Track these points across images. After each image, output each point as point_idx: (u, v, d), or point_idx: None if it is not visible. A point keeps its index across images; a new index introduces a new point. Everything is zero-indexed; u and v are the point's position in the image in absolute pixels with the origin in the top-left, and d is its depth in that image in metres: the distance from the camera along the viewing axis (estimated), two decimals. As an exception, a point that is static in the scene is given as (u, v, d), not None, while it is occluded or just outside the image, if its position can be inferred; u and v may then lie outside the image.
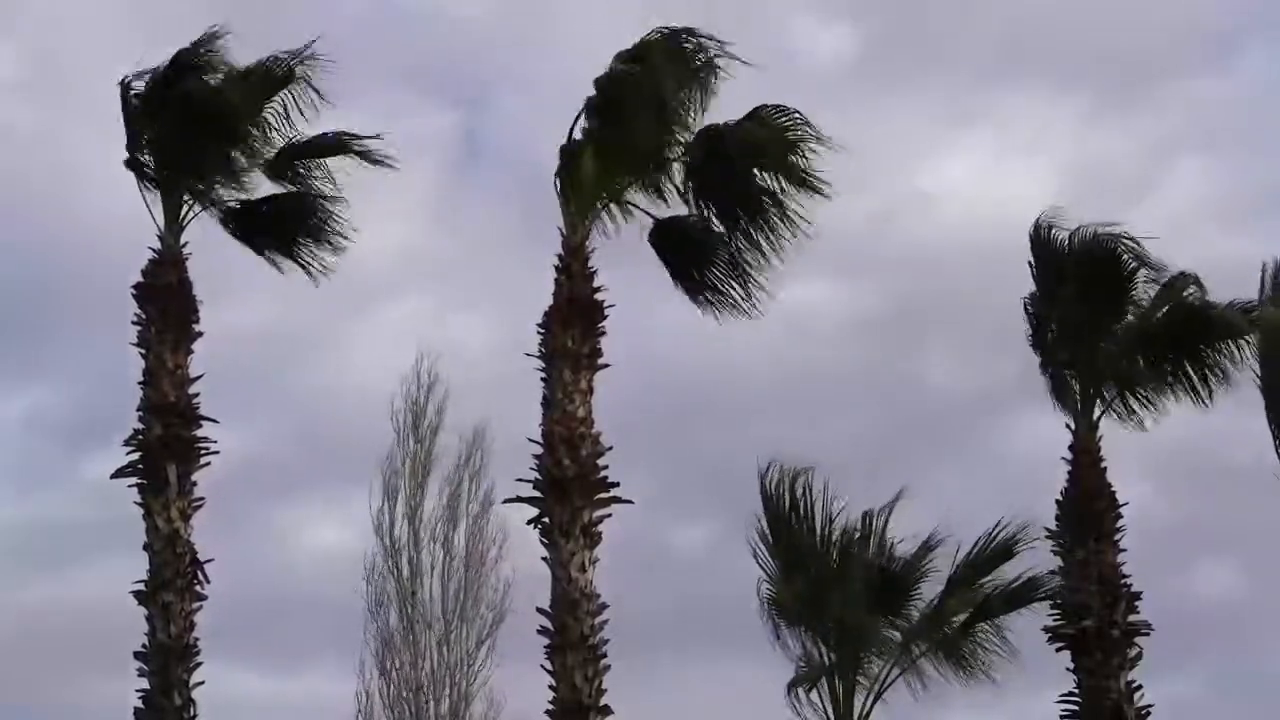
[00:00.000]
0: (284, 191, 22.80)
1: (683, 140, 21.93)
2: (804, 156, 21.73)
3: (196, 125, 21.98)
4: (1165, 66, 47.72)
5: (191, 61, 22.07)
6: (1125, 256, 22.90)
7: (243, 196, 22.73)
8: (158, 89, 22.09)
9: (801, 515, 21.50)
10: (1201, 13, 47.66)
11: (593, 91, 21.54)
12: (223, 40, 22.03)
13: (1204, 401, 23.15)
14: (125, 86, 22.25)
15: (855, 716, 20.94)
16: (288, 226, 22.86)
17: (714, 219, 22.28)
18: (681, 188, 22.17)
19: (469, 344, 42.60)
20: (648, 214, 22.29)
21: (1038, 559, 21.97)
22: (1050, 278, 23.04)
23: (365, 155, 22.40)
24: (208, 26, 22.00)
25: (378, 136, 22.42)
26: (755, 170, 21.98)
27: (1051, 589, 22.03)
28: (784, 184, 21.91)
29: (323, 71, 22.12)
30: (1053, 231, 23.03)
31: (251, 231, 22.89)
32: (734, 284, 22.36)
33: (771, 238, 22.09)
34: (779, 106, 21.87)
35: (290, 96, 22.32)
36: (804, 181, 21.79)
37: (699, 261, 22.42)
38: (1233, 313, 22.86)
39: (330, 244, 22.83)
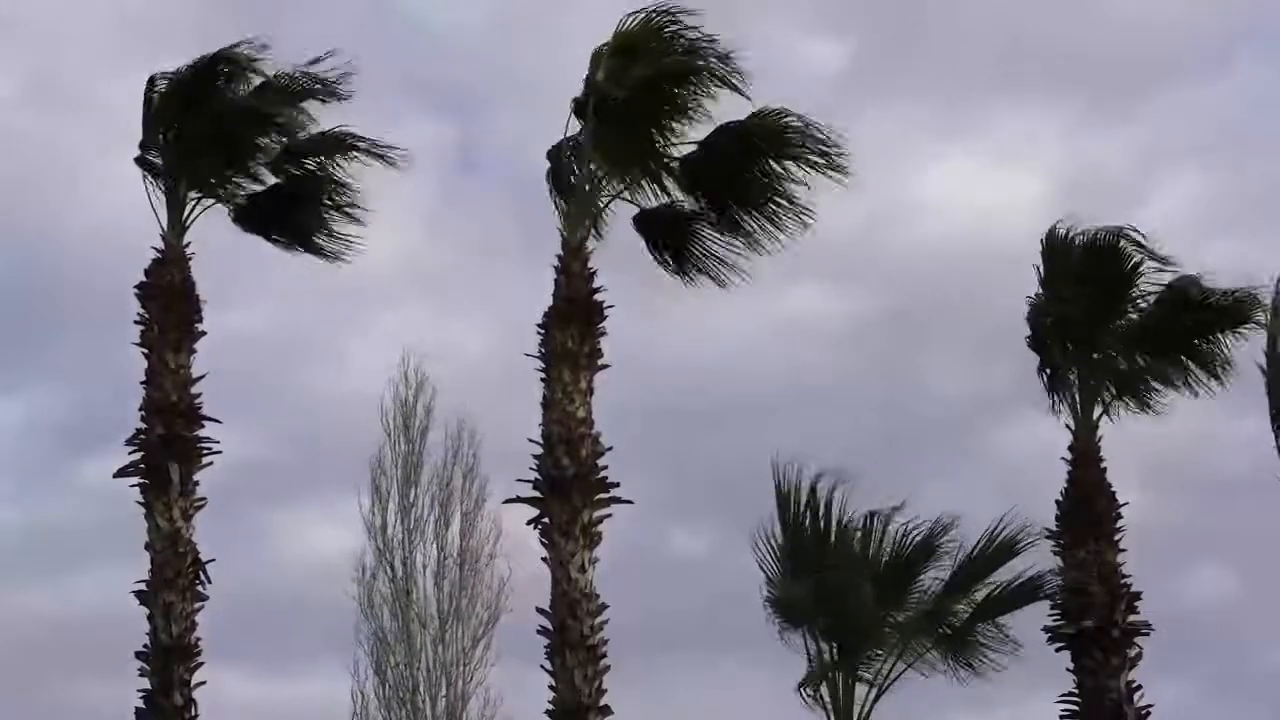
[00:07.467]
0: (294, 177, 22.83)
1: (683, 137, 21.96)
2: (820, 144, 21.66)
3: (229, 128, 22.11)
4: (1159, 73, 47.88)
5: (227, 66, 22.09)
6: (1129, 250, 22.99)
7: (254, 189, 22.78)
8: (186, 89, 22.07)
9: (817, 514, 21.54)
10: (1196, 19, 47.82)
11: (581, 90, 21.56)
12: (256, 48, 22.08)
13: (1209, 390, 23.25)
14: (151, 83, 22.24)
15: (857, 715, 21.03)
16: (303, 210, 22.88)
17: (709, 208, 22.31)
18: (681, 182, 22.18)
19: (468, 348, 42.70)
20: (636, 205, 22.38)
21: (1038, 557, 22.09)
22: (1060, 283, 23.06)
23: (371, 150, 22.41)
24: (242, 34, 22.16)
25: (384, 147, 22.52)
26: (766, 159, 21.92)
27: (1052, 588, 22.09)
28: (796, 169, 21.86)
29: (347, 82, 22.14)
30: (1067, 237, 23.07)
31: (267, 223, 22.92)
32: (717, 258, 22.51)
33: (767, 218, 22.13)
34: (783, 110, 21.80)
35: (317, 106, 22.40)
36: (821, 163, 21.70)
37: (681, 236, 22.51)
38: (1233, 299, 22.92)
39: (346, 221, 22.93)
